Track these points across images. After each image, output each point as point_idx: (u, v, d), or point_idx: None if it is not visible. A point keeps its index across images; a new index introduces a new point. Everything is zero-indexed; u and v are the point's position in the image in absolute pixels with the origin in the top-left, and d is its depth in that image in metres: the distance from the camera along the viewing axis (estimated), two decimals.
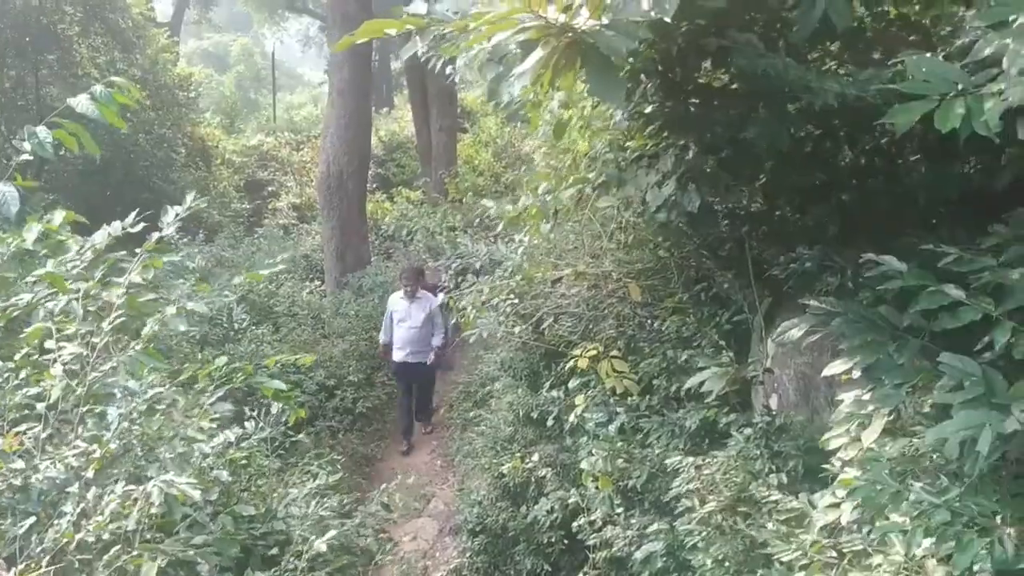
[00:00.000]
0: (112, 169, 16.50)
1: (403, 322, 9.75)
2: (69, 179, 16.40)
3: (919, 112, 2.66)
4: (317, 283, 14.26)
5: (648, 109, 4.62)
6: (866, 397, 3.17)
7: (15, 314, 3.77)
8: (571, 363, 5.91)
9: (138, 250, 3.79)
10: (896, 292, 3.12)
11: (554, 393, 6.45)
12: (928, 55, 3.20)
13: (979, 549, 2.42)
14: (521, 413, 6.63)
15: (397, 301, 9.89)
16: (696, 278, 5.70)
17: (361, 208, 14.73)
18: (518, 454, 6.28)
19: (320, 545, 3.09)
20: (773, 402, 4.64)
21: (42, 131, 3.46)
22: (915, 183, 4.00)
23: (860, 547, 3.13)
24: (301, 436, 5.02)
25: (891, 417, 3.09)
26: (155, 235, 3.55)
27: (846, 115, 3.86)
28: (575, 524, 5.32)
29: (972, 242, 3.28)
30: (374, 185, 19.75)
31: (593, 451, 5.25)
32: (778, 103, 4.01)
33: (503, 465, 6.14)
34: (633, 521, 4.97)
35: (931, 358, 2.95)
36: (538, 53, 2.99)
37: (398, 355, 9.86)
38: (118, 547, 2.83)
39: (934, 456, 2.82)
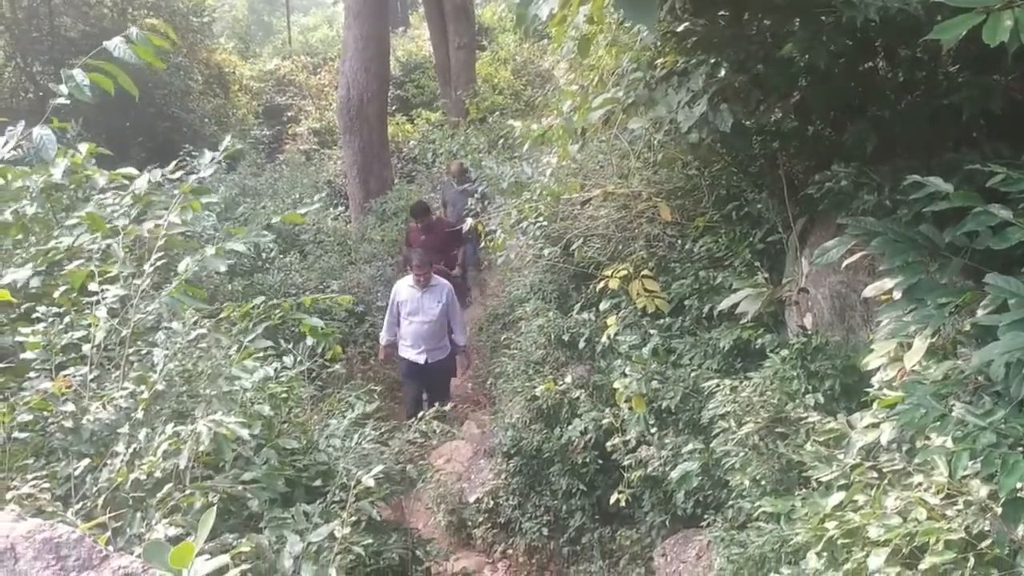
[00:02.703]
0: (130, 100, 16.38)
1: (413, 315, 7.87)
2: (88, 111, 16.34)
3: (966, 26, 2.58)
4: (341, 208, 14.21)
5: (680, 28, 4.50)
6: (907, 318, 3.14)
7: (57, 257, 3.81)
8: (601, 284, 5.90)
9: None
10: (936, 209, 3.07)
11: (585, 315, 6.45)
12: None
13: None
14: (552, 336, 6.62)
15: (405, 290, 7.97)
16: (727, 197, 5.63)
17: (382, 132, 14.59)
18: (550, 376, 6.30)
19: (368, 480, 3.15)
20: (808, 321, 4.62)
21: (79, 74, 3.43)
22: (956, 97, 3.88)
23: (900, 466, 3.15)
24: (337, 367, 5.06)
25: (933, 339, 3.07)
26: (192, 177, 3.55)
27: (888, 28, 3.73)
28: (609, 444, 5.36)
29: (1016, 157, 3.21)
30: (394, 107, 19.53)
31: (627, 372, 5.27)
32: (815, 17, 3.89)
33: (536, 388, 6.17)
34: (667, 441, 5.01)
35: (973, 277, 2.92)
36: None
37: (408, 353, 8.01)
38: (170, 484, 2.90)
39: (978, 378, 2.81)
